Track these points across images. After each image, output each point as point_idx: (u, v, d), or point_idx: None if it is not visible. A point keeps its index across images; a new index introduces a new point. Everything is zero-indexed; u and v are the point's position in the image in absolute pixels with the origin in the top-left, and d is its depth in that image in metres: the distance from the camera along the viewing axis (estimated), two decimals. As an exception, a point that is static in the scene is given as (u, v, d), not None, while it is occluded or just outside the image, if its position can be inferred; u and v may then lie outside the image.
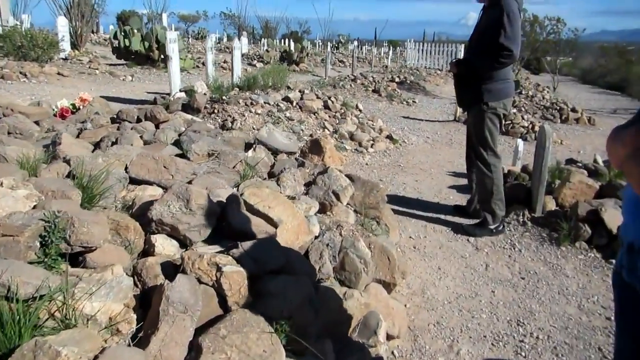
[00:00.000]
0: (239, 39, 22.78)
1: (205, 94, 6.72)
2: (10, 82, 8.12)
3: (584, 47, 26.68)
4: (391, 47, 42.52)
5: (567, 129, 9.54)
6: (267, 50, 16.98)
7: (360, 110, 7.94)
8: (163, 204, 2.01)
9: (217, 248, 2.01)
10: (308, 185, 3.24)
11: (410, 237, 3.83)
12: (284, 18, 43.09)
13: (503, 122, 3.90)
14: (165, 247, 1.94)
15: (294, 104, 6.77)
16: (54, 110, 4.12)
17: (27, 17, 16.00)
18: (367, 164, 6.01)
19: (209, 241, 2.11)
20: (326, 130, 6.50)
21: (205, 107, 6.38)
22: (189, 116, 4.53)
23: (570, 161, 5.25)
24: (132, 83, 10.32)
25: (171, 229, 2.00)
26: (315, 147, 3.81)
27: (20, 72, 8.43)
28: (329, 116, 6.94)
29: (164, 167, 2.54)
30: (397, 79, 14.12)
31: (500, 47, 3.25)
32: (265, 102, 6.48)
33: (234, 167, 3.09)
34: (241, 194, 2.45)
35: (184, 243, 2.03)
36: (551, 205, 4.01)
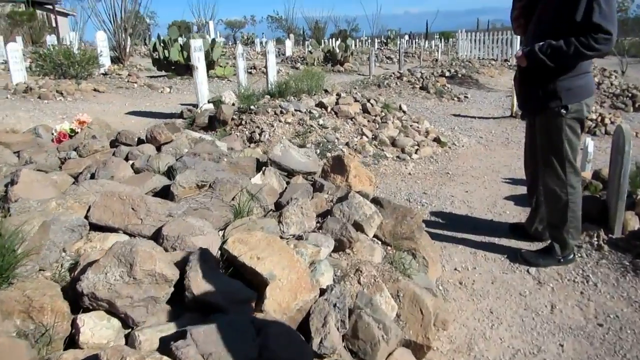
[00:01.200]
0: (286, 41, 22.56)
1: (233, 104, 6.29)
2: (46, 102, 8.04)
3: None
4: (442, 40, 41.17)
5: (644, 118, 8.43)
6: (310, 52, 16.50)
7: (403, 112, 7.27)
8: (98, 272, 1.51)
9: (171, 329, 1.48)
10: (325, 215, 2.68)
11: (455, 269, 3.17)
12: (332, 17, 42.50)
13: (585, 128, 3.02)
14: (97, 332, 1.45)
15: (329, 109, 6.21)
16: (52, 134, 3.77)
17: (75, 34, 16.33)
18: (410, 173, 5.36)
19: (165, 316, 1.59)
20: (364, 137, 5.89)
21: (233, 119, 5.95)
22: (197, 134, 4.08)
23: (655, 164, 4.37)
24: (169, 95, 10.11)
25: (108, 304, 1.49)
26: (338, 165, 3.24)
27: (57, 91, 8.35)
28: (368, 121, 6.33)
29: (132, 208, 2.05)
30: (447, 73, 13.24)
31: (595, 28, 2.47)
32: (296, 110, 5.95)
33: (233, 198, 2.57)
34: (224, 242, 1.93)
35: (127, 323, 1.52)
36: (634, 224, 3.24)
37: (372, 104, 6.64)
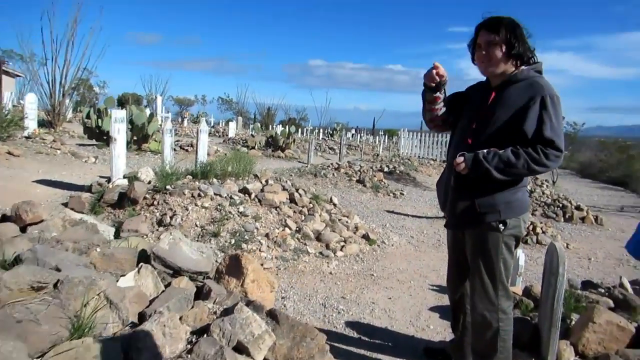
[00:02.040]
0: (230, 123, 22.52)
1: (150, 182, 5.77)
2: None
3: (582, 142, 26.38)
4: (387, 136, 42.78)
5: (573, 229, 8.51)
6: (252, 135, 16.38)
7: (334, 204, 6.96)
8: None
9: None
10: (203, 331, 2.15)
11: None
12: (283, 105, 43.52)
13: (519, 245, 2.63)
14: None
15: (252, 196, 5.80)
16: None
17: (9, 94, 15.55)
18: (331, 272, 4.92)
19: None
20: (287, 228, 5.47)
21: (145, 198, 5.40)
22: (78, 215, 3.53)
23: (589, 284, 4.14)
24: (93, 165, 9.45)
25: None
26: (234, 266, 2.76)
27: (-36, 152, 7.55)
28: (294, 211, 5.94)
29: None
30: (386, 169, 13.32)
31: (547, 143, 2.25)
32: (216, 194, 5.50)
33: (86, 304, 2.01)
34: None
35: None
36: (569, 355, 2.88)
37: (300, 194, 6.30)
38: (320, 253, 5.29)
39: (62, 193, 6.27)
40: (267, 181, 6.35)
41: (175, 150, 13.07)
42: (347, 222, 6.41)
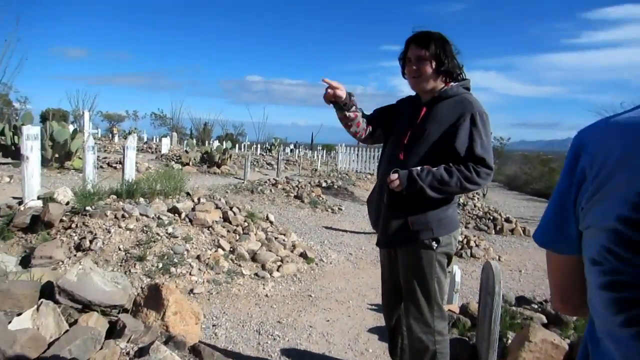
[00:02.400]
0: (163, 139, 21.73)
1: (68, 202, 5.31)
2: None
3: (508, 155, 27.62)
4: (325, 151, 43.03)
5: (503, 241, 8.71)
6: (186, 151, 15.84)
7: (270, 222, 6.73)
8: None
9: None
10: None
11: None
12: (220, 120, 42.76)
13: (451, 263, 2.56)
14: None
15: (183, 216, 5.47)
16: None
17: None
18: (267, 295, 4.67)
19: None
20: (220, 249, 5.18)
21: (62, 221, 4.95)
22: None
23: (522, 300, 4.15)
24: (7, 185, 8.68)
25: None
26: (153, 298, 2.48)
27: None
28: (228, 231, 5.66)
29: None
30: (324, 184, 13.24)
31: (479, 161, 2.21)
32: (142, 214, 5.14)
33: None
34: None
35: None
36: (506, 376, 2.80)
37: (234, 212, 6.03)
38: (256, 274, 5.04)
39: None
40: (199, 199, 6.03)
41: (102, 167, 12.40)
42: (284, 240, 6.19)
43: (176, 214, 5.48)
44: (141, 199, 5.63)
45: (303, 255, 5.99)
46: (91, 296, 2.38)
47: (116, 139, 29.69)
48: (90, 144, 6.66)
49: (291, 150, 41.33)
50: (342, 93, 2.37)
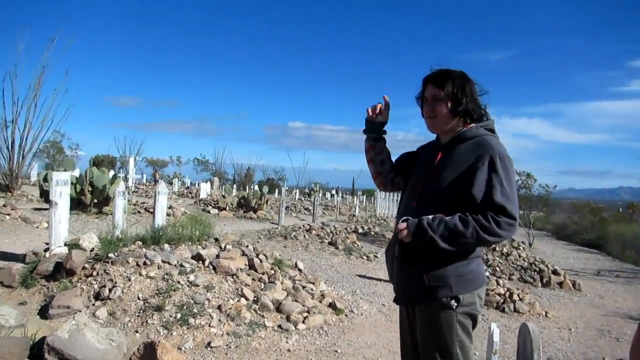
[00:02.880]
0: (201, 184, 22.08)
1: (92, 249, 5.25)
2: None
3: (556, 204, 26.58)
4: (365, 196, 42.75)
5: (551, 295, 8.10)
6: (223, 196, 15.94)
7: (299, 270, 6.48)
8: None
9: None
10: None
11: None
12: (262, 165, 43.40)
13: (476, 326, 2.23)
14: None
15: (206, 263, 5.30)
16: None
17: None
18: (289, 350, 4.38)
19: None
20: (243, 299, 4.95)
21: (84, 268, 4.87)
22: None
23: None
24: (44, 230, 8.80)
25: None
26: (148, 357, 2.27)
27: None
28: (253, 279, 5.44)
29: None
30: (360, 229, 12.94)
31: (498, 210, 1.95)
32: (164, 262, 5.00)
33: None
34: None
35: None
36: None
37: (260, 260, 5.82)
38: (279, 326, 4.77)
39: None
40: (224, 246, 5.88)
41: (139, 212, 12.56)
42: (312, 289, 5.91)
43: (200, 261, 5.32)
44: (166, 246, 5.53)
45: (332, 305, 5.69)
46: (82, 354, 2.20)
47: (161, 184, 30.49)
48: (120, 189, 6.69)
49: (332, 195, 41.29)
50: (386, 115, 2.39)
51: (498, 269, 9.06)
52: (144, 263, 4.87)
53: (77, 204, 11.07)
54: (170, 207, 13.06)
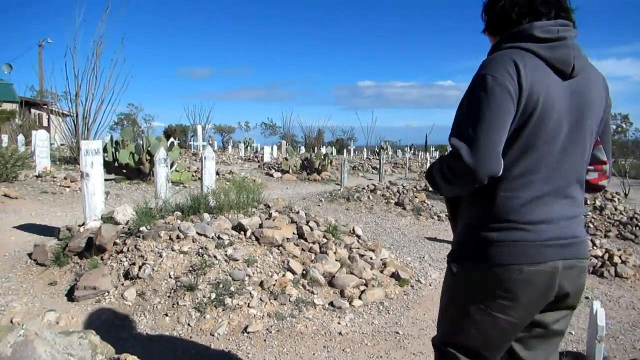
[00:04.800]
0: (265, 147, 21.71)
1: (127, 222, 4.82)
2: None
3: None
4: (438, 152, 41.09)
5: (659, 253, 6.89)
6: (285, 159, 15.44)
7: (357, 237, 5.78)
8: None
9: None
10: None
11: None
12: (329, 126, 42.76)
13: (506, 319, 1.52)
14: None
15: (248, 234, 4.72)
16: None
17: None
18: (341, 333, 3.73)
19: None
20: (289, 273, 4.34)
21: (115, 244, 4.45)
22: None
23: None
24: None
25: None
26: (112, 377, 1.67)
27: (-49, 195, 6.96)
28: (302, 249, 4.81)
29: None
30: (430, 187, 11.97)
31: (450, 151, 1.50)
32: (200, 234, 4.48)
33: None
34: None
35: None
36: None
37: (311, 227, 5.17)
38: (331, 304, 4.13)
39: (39, 240, 5.44)
40: (270, 214, 5.28)
41: (200, 179, 12.32)
42: (371, 258, 5.21)
43: (241, 232, 4.76)
44: (206, 215, 5.00)
45: (395, 275, 4.97)
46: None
47: (230, 149, 30.67)
48: (161, 155, 6.23)
49: (403, 153, 39.99)
50: None
51: (591, 225, 7.87)
52: (177, 237, 4.36)
53: (137, 173, 10.97)
54: (230, 172, 12.76)
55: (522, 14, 1.51)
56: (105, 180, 11.11)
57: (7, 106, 26.61)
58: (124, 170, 10.97)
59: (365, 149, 36.73)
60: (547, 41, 1.45)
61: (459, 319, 1.60)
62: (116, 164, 10.89)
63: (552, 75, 1.44)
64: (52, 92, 17.79)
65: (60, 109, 26.74)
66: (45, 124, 29.96)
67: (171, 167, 11.29)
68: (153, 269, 4.04)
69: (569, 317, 1.63)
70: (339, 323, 3.88)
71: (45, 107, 23.74)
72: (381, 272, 5.02)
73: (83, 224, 5.04)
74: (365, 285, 4.56)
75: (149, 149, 10.61)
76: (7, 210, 7.10)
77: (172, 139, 13.62)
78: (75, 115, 13.50)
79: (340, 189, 10.92)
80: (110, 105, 13.55)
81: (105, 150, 11.02)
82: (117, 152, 10.80)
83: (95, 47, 13.50)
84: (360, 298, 4.33)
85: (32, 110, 28.39)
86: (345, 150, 33.20)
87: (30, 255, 4.76)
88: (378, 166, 20.05)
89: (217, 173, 12.65)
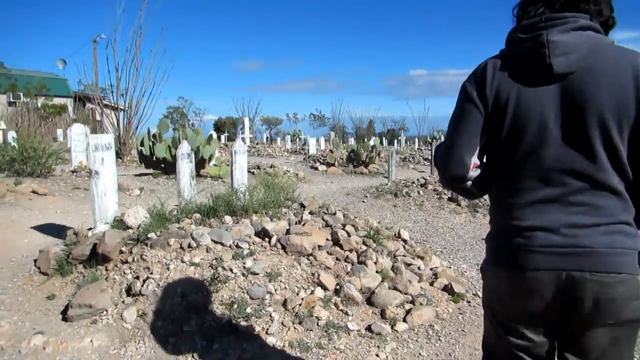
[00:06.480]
0: (310, 139, 21.05)
1: (139, 226, 4.26)
2: (-40, 206, 6.38)
3: None
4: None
5: None
6: (330, 151, 14.71)
7: (403, 241, 5.01)
8: None
9: None
10: None
11: None
12: (380, 117, 41.75)
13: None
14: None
15: (273, 241, 4.05)
16: None
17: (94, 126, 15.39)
18: (379, 369, 3.00)
19: None
20: (319, 289, 3.64)
21: (122, 252, 3.89)
22: None
23: None
24: (136, 198, 8.32)
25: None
26: None
27: (-20, 193, 6.71)
28: (337, 259, 4.10)
29: None
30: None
31: None
32: (215, 242, 3.85)
33: None
34: None
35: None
36: None
37: (348, 232, 4.44)
38: (368, 329, 3.40)
39: (53, 242, 5.00)
40: (302, 216, 4.59)
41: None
42: (420, 268, 4.45)
43: (265, 239, 4.10)
44: (227, 218, 4.38)
45: (448, 289, 4.19)
46: None
47: (279, 141, 30.36)
48: (184, 150, 5.67)
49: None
50: None
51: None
52: (189, 245, 3.75)
53: (174, 168, 10.58)
54: (272, 166, 12.20)
55: (519, 17, 1.51)
56: (143, 175, 10.83)
57: (61, 100, 27.31)
58: (162, 165, 10.62)
59: (417, 139, 35.54)
60: (520, 42, 1.43)
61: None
62: (154, 158, 10.55)
63: (528, 77, 1.40)
64: (99, 86, 17.87)
65: (113, 103, 27.09)
66: (98, 118, 30.67)
67: (209, 161, 10.85)
68: (158, 284, 3.44)
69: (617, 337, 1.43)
70: (377, 355, 3.15)
71: (96, 100, 24.23)
72: (431, 284, 4.25)
73: (91, 228, 4.54)
74: (412, 302, 3.81)
75: (186, 142, 10.16)
76: (33, 207, 6.78)
77: (211, 132, 13.19)
78: (116, 108, 13.33)
79: (387, 184, 10.10)
80: (151, 97, 13.28)
81: (142, 144, 10.71)
82: (154, 146, 10.44)
83: (136, 37, 13.28)
84: (405, 320, 3.59)
85: (87, 105, 29.05)
86: (395, 141, 32.16)
87: (35, 261, 4.30)
88: (430, 157, 18.99)
89: (258, 167, 12.14)
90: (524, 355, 1.51)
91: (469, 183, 1.49)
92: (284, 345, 3.07)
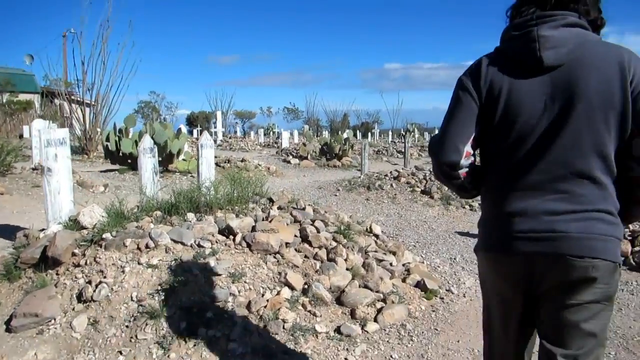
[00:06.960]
0: (282, 132, 20.81)
1: (94, 226, 4.00)
2: None
3: None
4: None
5: None
6: (303, 144, 14.50)
7: (375, 236, 4.86)
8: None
9: None
10: None
11: None
12: (354, 110, 41.64)
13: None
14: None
15: (238, 239, 3.85)
16: None
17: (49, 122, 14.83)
18: (349, 374, 2.84)
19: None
20: (286, 289, 3.46)
21: (74, 255, 3.62)
22: None
23: None
24: (100, 195, 7.99)
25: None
26: None
27: None
28: (305, 257, 3.92)
29: None
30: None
31: None
32: (175, 241, 3.62)
33: None
34: None
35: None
36: None
37: (317, 227, 4.27)
38: (338, 330, 3.24)
39: (4, 245, 4.70)
40: (269, 212, 4.39)
41: (220, 166, 11.53)
42: (391, 264, 4.30)
43: (230, 237, 3.89)
44: (190, 215, 4.16)
45: (420, 285, 4.06)
46: None
47: (252, 135, 29.93)
48: (146, 145, 5.39)
49: (431, 135, 38.72)
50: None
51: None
52: (147, 246, 3.51)
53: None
54: (242, 160, 11.93)
55: (512, 19, 1.57)
56: (109, 171, 10.46)
57: (28, 97, 26.36)
58: (129, 161, 10.26)
59: (390, 132, 35.61)
60: (513, 39, 1.50)
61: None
62: (120, 153, 10.19)
63: (519, 70, 1.46)
64: (64, 81, 17.25)
65: (79, 98, 26.29)
66: (67, 114, 29.75)
67: (178, 155, 10.54)
68: (112, 289, 3.20)
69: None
70: (346, 359, 2.99)
71: (62, 95, 23.41)
72: (403, 281, 4.11)
73: (43, 229, 4.25)
74: (383, 301, 3.66)
75: (154, 136, 9.83)
76: (-13, 207, 6.42)
77: (180, 126, 12.82)
78: (82, 103, 12.86)
79: (360, 177, 9.97)
80: (119, 92, 12.84)
81: (107, 139, 10.33)
82: (120, 141, 10.08)
83: (103, 30, 12.81)
84: (376, 320, 3.44)
85: (55, 101, 28.14)
86: (369, 134, 32.12)
87: (-17, 266, 3.99)
88: (403, 150, 18.99)
89: (229, 161, 11.86)
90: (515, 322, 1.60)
91: (462, 172, 1.53)
92: (246, 352, 2.88)
